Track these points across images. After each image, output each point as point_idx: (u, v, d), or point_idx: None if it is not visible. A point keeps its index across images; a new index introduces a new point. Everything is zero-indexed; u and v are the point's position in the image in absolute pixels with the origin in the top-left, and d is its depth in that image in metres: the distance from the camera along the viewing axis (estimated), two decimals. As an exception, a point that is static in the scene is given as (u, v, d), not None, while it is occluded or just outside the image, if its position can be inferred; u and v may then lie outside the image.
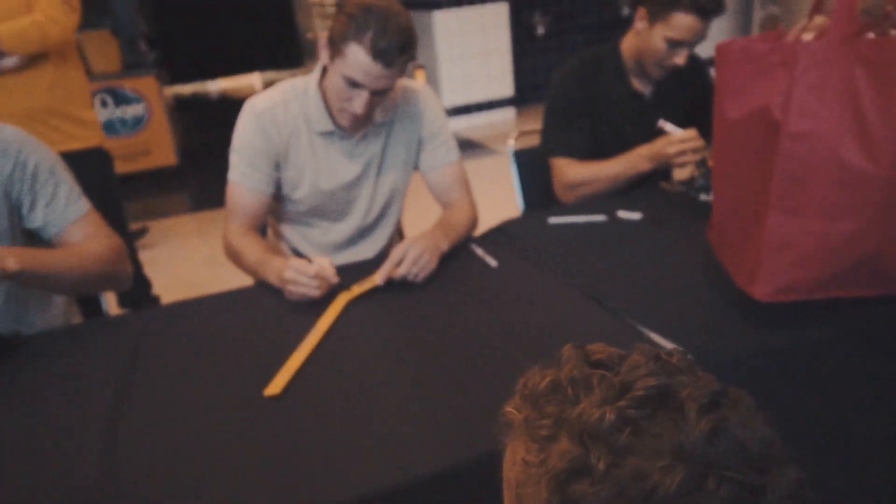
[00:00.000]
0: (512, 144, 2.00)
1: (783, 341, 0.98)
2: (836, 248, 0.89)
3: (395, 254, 1.25)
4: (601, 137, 1.72)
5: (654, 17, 1.58)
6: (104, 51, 4.47)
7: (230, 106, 8.33)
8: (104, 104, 4.50)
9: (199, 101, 9.01)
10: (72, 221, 1.21)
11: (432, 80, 5.53)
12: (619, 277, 1.23)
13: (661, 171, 1.83)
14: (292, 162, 1.40)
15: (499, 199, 2.76)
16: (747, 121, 0.88)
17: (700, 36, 1.57)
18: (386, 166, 1.47)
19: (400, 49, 1.21)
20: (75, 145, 2.21)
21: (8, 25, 1.98)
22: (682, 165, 1.56)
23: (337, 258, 1.52)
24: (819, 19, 1.00)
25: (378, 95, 1.29)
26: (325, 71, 1.36)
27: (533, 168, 1.96)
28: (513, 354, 1.02)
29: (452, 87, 5.45)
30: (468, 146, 5.11)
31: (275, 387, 0.95)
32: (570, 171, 1.68)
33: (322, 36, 1.29)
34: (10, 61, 2.02)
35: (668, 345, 0.99)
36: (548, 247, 1.40)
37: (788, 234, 0.88)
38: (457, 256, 1.38)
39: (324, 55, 1.30)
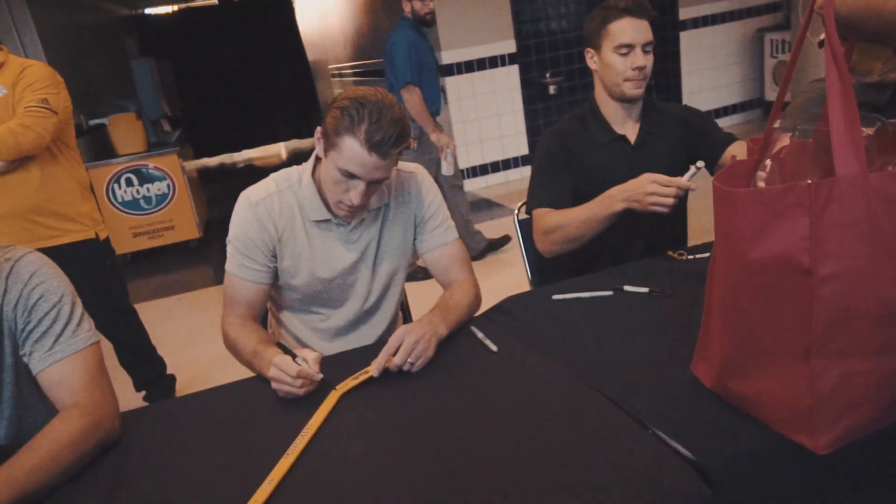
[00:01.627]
0: (517, 214, 1.98)
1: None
2: (885, 382, 0.84)
3: (391, 343, 1.21)
4: (591, 184, 1.71)
5: (595, 44, 1.66)
6: (129, 133, 4.64)
7: (255, 174, 8.56)
8: (129, 183, 4.64)
9: (225, 171, 9.26)
10: (55, 362, 1.11)
11: (448, 143, 5.61)
12: (625, 362, 1.17)
13: (670, 240, 1.80)
14: (288, 251, 1.39)
15: (517, 258, 2.73)
16: (769, 264, 0.84)
17: (644, 35, 1.61)
18: (383, 250, 1.46)
19: (395, 140, 1.21)
20: (66, 239, 2.25)
21: None
22: (653, 207, 1.46)
23: (337, 344, 1.49)
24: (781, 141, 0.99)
25: (374, 185, 1.29)
26: (318, 160, 1.37)
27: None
28: (511, 450, 0.96)
29: (467, 148, 5.52)
30: (485, 205, 5.12)
31: (255, 502, 0.91)
32: (546, 218, 1.69)
33: (316, 129, 1.30)
34: None
35: (674, 445, 0.93)
36: (551, 327, 1.35)
37: (836, 379, 0.84)
38: (456, 340, 1.34)
39: (318, 147, 1.30)
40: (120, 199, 4.66)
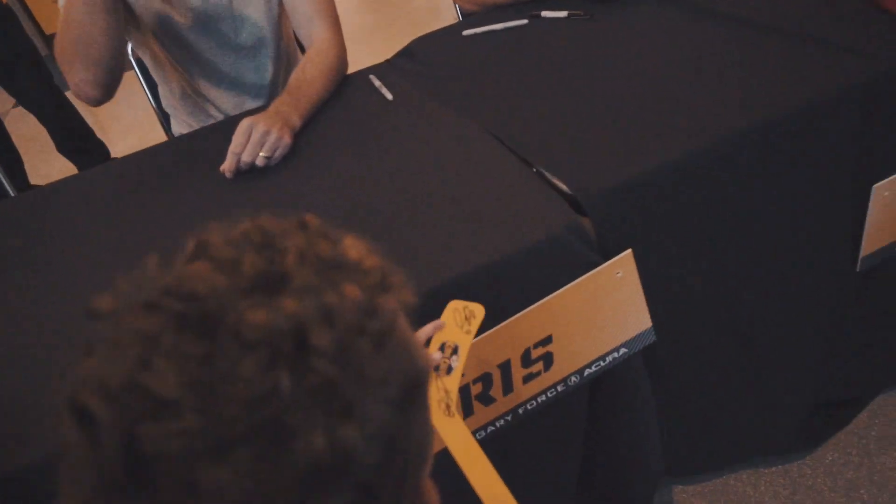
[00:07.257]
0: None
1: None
2: None
3: (237, 139, 1.01)
4: None
5: None
6: None
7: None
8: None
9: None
10: None
11: None
12: (525, 99, 1.06)
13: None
14: None
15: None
16: None
17: None
18: None
19: None
20: None
21: None
22: None
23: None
24: None
25: None
26: None
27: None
28: (398, 190, 0.93)
29: None
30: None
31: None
32: None
33: None
34: None
35: (554, 181, 0.86)
36: (458, 68, 1.21)
37: None
38: (353, 89, 1.21)
39: None
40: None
